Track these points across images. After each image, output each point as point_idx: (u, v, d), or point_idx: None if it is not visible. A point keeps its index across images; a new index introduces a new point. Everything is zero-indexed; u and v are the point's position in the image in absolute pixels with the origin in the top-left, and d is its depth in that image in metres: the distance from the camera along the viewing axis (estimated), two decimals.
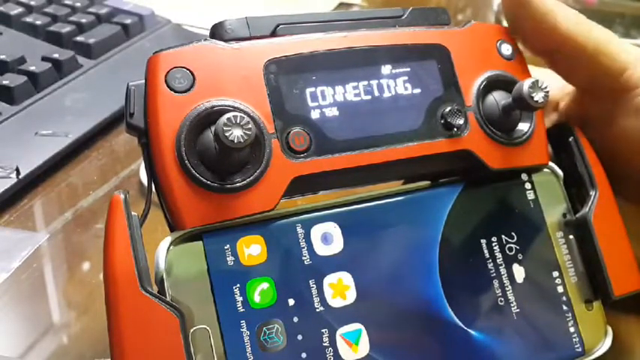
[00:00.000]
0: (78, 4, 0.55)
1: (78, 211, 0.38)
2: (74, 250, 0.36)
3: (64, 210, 0.38)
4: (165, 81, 0.24)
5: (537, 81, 0.26)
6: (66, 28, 0.51)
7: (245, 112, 0.24)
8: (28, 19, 0.52)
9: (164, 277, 0.23)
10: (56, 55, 0.48)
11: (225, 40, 0.25)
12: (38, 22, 0.52)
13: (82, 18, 0.53)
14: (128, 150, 0.45)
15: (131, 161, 0.43)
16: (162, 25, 0.57)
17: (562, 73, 0.31)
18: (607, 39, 0.29)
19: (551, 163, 0.29)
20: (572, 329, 0.27)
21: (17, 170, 0.38)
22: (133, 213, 0.23)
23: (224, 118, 0.22)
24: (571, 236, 0.28)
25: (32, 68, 0.46)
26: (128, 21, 0.54)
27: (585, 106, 0.31)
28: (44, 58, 0.48)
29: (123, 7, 0.57)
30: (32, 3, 0.54)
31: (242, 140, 0.22)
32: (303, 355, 0.24)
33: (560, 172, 0.29)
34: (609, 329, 0.28)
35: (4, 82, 0.44)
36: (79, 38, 0.51)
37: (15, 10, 0.52)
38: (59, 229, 0.37)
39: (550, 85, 0.33)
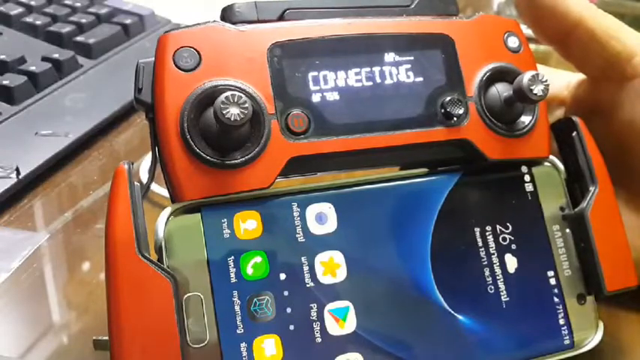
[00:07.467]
0: (78, 4, 0.57)
1: (78, 211, 0.39)
2: (74, 250, 0.37)
3: (64, 210, 0.39)
4: (173, 59, 0.25)
5: (537, 74, 0.27)
6: (66, 28, 0.53)
7: (246, 92, 0.25)
8: (28, 19, 0.54)
9: (162, 245, 0.24)
10: (56, 55, 0.49)
11: (234, 23, 0.26)
12: (38, 22, 0.53)
13: (82, 18, 0.55)
14: (128, 150, 0.45)
15: (131, 161, 0.42)
16: (162, 25, 0.58)
17: (574, 60, 0.32)
18: (617, 24, 0.31)
19: (552, 157, 0.30)
20: (562, 322, 0.28)
21: (17, 170, 0.39)
22: (135, 183, 0.25)
23: (222, 97, 0.24)
24: (568, 230, 0.29)
25: (32, 68, 0.47)
26: (128, 21, 0.55)
27: (594, 95, 0.33)
28: (44, 58, 0.49)
29: (123, 7, 0.58)
30: (32, 3, 0.55)
31: (238, 118, 0.23)
32: (291, 327, 0.25)
33: (561, 166, 0.30)
34: (601, 324, 0.29)
35: (4, 82, 0.45)
36: (79, 38, 0.52)
37: (15, 10, 0.54)
38: (59, 229, 0.37)
39: (556, 81, 0.33)
